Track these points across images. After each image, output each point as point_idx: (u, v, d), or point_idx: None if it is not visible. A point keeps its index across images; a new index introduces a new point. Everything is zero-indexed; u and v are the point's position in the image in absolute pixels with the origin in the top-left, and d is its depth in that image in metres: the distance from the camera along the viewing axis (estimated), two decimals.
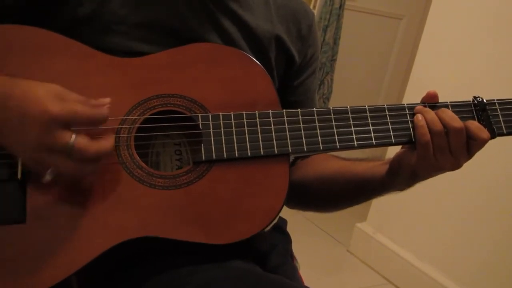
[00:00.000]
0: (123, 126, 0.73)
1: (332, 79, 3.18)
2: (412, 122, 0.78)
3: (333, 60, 3.16)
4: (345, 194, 0.91)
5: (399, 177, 0.81)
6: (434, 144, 0.75)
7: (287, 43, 0.91)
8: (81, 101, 0.64)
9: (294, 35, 0.92)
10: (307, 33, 0.94)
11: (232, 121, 0.75)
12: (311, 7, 3.03)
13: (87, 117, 0.63)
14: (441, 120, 0.76)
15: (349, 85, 3.39)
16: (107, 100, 0.65)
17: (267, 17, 0.89)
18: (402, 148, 0.81)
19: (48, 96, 0.61)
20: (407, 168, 0.78)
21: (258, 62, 0.80)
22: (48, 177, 0.64)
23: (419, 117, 0.77)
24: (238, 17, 0.85)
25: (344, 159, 0.93)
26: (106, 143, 0.65)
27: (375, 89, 3.62)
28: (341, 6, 3.06)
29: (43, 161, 0.63)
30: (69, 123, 0.61)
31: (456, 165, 0.77)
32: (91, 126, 0.64)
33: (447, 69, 2.11)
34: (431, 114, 0.76)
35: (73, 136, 0.61)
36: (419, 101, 0.81)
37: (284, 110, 0.78)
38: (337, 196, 0.92)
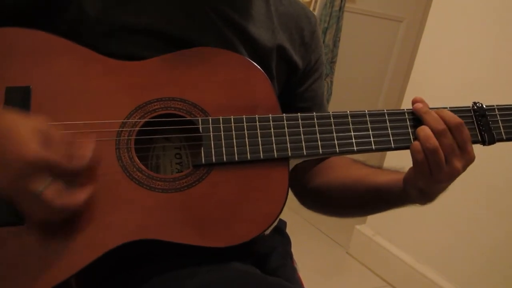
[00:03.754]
0: (124, 129, 0.74)
1: (332, 81, 3.18)
2: (412, 127, 0.78)
3: (332, 62, 3.16)
4: (365, 203, 0.90)
5: (411, 194, 0.80)
6: (429, 160, 0.75)
7: (289, 52, 0.91)
8: (62, 144, 0.64)
9: (297, 42, 0.93)
10: (310, 39, 0.95)
11: (232, 124, 0.76)
12: (311, 9, 3.04)
13: (63, 169, 0.64)
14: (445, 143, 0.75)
15: (349, 87, 3.39)
16: (91, 145, 0.67)
17: (268, 26, 0.89)
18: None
19: (30, 137, 0.62)
20: (413, 187, 0.78)
21: (259, 67, 0.80)
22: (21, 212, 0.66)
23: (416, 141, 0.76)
24: (239, 27, 0.85)
25: (367, 166, 0.93)
26: (75, 199, 0.65)
27: (374, 92, 3.61)
28: (341, 8, 3.06)
29: (16, 199, 0.64)
30: (43, 170, 0.62)
31: (456, 173, 0.77)
32: (66, 176, 0.64)
33: (446, 72, 2.12)
34: (425, 130, 0.76)
35: (44, 185, 0.62)
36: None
37: (284, 114, 0.78)
38: (358, 204, 0.92)
